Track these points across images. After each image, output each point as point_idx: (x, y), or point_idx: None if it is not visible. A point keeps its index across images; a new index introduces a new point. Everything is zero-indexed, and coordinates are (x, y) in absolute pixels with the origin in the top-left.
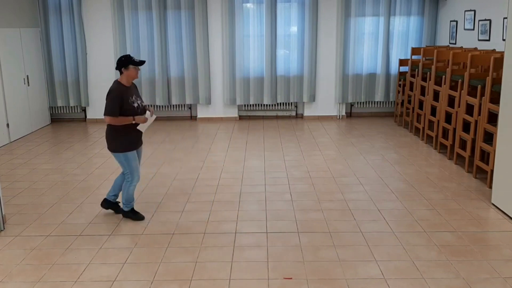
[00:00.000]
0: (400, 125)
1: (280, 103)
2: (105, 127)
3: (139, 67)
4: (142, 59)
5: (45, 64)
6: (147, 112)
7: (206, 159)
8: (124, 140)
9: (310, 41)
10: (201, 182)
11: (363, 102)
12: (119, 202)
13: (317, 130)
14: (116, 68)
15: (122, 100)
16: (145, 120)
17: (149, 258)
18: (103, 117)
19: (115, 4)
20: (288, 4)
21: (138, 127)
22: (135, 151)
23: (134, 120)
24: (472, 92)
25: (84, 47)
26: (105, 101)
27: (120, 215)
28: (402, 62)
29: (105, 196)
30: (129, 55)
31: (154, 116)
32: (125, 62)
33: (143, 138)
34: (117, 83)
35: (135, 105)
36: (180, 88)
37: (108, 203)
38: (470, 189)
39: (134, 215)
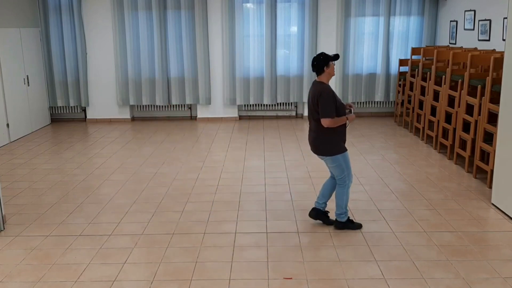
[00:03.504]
0: (400, 125)
1: (280, 103)
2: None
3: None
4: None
5: (45, 64)
6: (352, 108)
7: (206, 159)
8: (340, 141)
9: (310, 41)
10: (201, 182)
11: (363, 102)
12: (328, 212)
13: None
14: (315, 69)
15: (335, 99)
16: (354, 117)
17: (149, 258)
18: (322, 121)
19: (115, 4)
20: (288, 4)
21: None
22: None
23: (347, 119)
24: (472, 92)
25: (84, 47)
26: (319, 104)
27: None
28: (402, 62)
29: (314, 206)
30: (324, 52)
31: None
32: (325, 60)
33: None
34: (321, 83)
35: (342, 102)
36: (180, 88)
37: (317, 212)
38: (470, 189)
39: (352, 225)
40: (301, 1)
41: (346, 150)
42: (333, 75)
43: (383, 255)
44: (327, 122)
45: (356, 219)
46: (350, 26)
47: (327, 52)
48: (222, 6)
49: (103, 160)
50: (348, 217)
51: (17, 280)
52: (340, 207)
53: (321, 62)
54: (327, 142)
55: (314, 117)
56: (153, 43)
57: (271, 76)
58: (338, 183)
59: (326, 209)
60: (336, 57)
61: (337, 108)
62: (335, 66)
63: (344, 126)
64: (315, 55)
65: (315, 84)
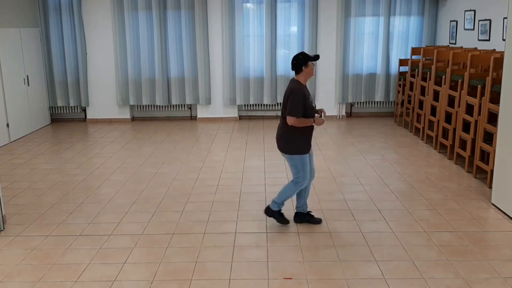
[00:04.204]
0: (400, 125)
1: (280, 103)
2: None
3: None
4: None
5: (45, 64)
6: (323, 114)
7: (206, 159)
8: (303, 142)
9: (310, 41)
10: (201, 182)
11: (363, 102)
12: (311, 211)
13: (317, 130)
14: (294, 68)
15: (304, 99)
16: (323, 122)
17: (149, 258)
18: (287, 117)
19: (115, 4)
20: (288, 4)
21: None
22: (308, 154)
23: (314, 122)
24: (472, 92)
25: (84, 47)
26: (288, 102)
27: None
28: (402, 62)
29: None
30: (304, 52)
31: (325, 118)
32: (304, 60)
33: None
34: (296, 82)
35: (313, 105)
36: (180, 88)
37: (300, 216)
38: (470, 189)
39: (280, 217)
40: (301, 1)
41: (306, 153)
42: (312, 75)
43: (383, 255)
44: (291, 120)
45: (356, 219)
46: (350, 26)
47: (307, 52)
48: (222, 6)
49: (103, 160)
50: (280, 209)
51: (17, 280)
52: (280, 196)
53: (300, 61)
54: (290, 140)
55: (283, 114)
56: (153, 43)
57: (271, 76)
58: (294, 180)
59: (308, 209)
60: (316, 57)
61: (306, 109)
62: (314, 67)
63: (310, 128)
64: (295, 54)
65: (291, 82)
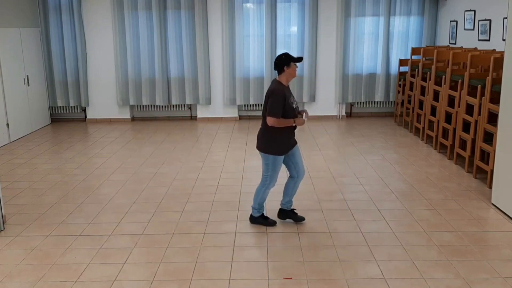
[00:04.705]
0: (400, 125)
1: None
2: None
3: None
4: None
5: (45, 64)
6: (304, 114)
7: (206, 159)
8: (279, 142)
9: (310, 41)
10: (201, 182)
11: (363, 102)
12: (295, 209)
13: (317, 130)
14: (276, 68)
15: (284, 100)
16: (303, 123)
17: (149, 258)
18: (267, 117)
19: (115, 4)
20: (288, 4)
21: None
22: (283, 156)
23: (294, 122)
24: (472, 92)
25: (84, 47)
26: (269, 102)
27: None
28: (402, 62)
29: (280, 207)
30: (287, 53)
31: (306, 119)
32: (287, 60)
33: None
34: (277, 82)
35: (294, 106)
36: (180, 88)
37: (284, 212)
38: (470, 189)
39: (265, 221)
40: (301, 1)
41: (282, 154)
42: (294, 76)
43: (383, 255)
44: (271, 121)
45: (356, 219)
46: (350, 26)
47: (290, 54)
48: (222, 6)
49: (103, 160)
50: (262, 213)
51: (17, 280)
52: (254, 201)
53: (282, 62)
54: (270, 141)
55: (264, 114)
56: (153, 43)
57: (271, 76)
58: (261, 180)
59: (292, 206)
60: (299, 59)
61: (285, 110)
62: (297, 68)
63: (291, 129)
64: (278, 54)
65: (272, 83)
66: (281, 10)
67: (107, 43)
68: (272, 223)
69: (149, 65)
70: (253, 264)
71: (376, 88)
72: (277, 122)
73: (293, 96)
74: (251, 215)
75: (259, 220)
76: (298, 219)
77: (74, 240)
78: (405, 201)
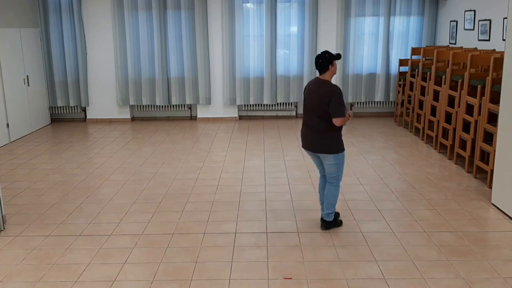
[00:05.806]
0: (400, 125)
1: (280, 103)
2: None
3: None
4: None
5: (45, 64)
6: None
7: (206, 159)
8: (340, 138)
9: (310, 41)
10: (201, 182)
11: (363, 102)
12: (338, 213)
13: None
14: (320, 67)
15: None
16: (351, 115)
17: (149, 258)
18: (334, 119)
19: (115, 4)
20: (288, 4)
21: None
22: None
23: (350, 117)
24: (472, 92)
25: (84, 47)
26: (333, 103)
27: None
28: (402, 62)
29: (321, 217)
30: (328, 51)
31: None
32: (330, 58)
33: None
34: (329, 82)
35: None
36: (180, 88)
37: (327, 223)
38: (470, 189)
39: (336, 222)
40: (301, 1)
41: (344, 149)
42: (335, 73)
43: (383, 255)
44: (339, 121)
45: (356, 219)
46: (350, 26)
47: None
48: (222, 6)
49: (103, 160)
50: (335, 216)
51: (17, 280)
52: (332, 206)
53: (327, 61)
54: (332, 139)
55: (319, 114)
56: (153, 43)
57: (271, 76)
58: (330, 182)
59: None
60: (338, 56)
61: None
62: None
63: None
64: (319, 53)
65: (322, 83)
66: (281, 10)
67: (107, 43)
68: (340, 223)
69: (149, 65)
70: (253, 264)
71: (376, 88)
72: (344, 121)
73: None
74: (326, 221)
75: (334, 222)
76: (338, 224)
77: (74, 240)
78: (405, 201)
